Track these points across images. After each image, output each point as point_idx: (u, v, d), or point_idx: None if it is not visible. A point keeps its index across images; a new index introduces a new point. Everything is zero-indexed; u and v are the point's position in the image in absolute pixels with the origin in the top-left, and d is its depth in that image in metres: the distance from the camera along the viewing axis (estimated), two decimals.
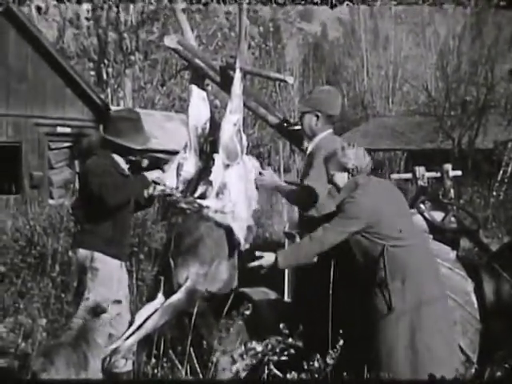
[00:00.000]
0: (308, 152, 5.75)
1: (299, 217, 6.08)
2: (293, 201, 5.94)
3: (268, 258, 4.94)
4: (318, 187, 5.45)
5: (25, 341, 6.97)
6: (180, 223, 5.57)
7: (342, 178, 5.15)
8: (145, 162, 19.73)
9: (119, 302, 5.34)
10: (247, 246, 5.66)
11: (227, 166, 5.59)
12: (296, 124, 5.95)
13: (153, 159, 18.82)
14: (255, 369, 5.14)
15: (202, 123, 5.96)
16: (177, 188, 5.73)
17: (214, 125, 5.94)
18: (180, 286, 5.36)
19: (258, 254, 4.95)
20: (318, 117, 5.68)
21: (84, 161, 5.93)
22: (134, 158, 5.67)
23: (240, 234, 5.53)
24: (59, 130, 21.34)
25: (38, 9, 24.29)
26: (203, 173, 5.70)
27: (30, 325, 7.62)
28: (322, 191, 5.48)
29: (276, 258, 4.94)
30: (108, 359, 5.18)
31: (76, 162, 20.80)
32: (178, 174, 5.78)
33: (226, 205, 5.45)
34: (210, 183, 5.50)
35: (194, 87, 6.11)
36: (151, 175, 5.61)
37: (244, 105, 6.02)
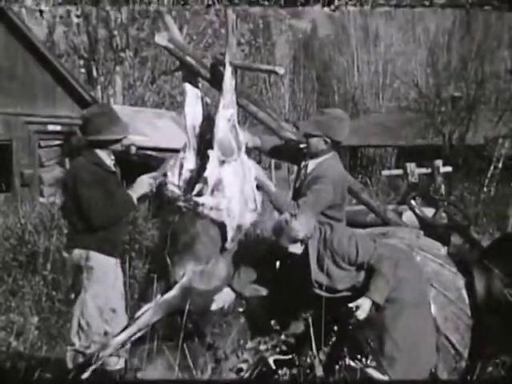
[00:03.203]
0: (309, 171, 5.79)
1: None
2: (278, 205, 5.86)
3: (365, 304, 4.97)
4: (310, 211, 5.44)
5: (17, 339, 6.98)
6: (176, 221, 5.57)
7: (297, 249, 5.23)
8: (133, 149, 19.82)
9: (114, 311, 5.39)
10: (232, 246, 5.63)
11: (223, 162, 5.57)
12: (301, 143, 5.92)
13: (143, 156, 18.81)
14: (248, 366, 5.17)
15: (199, 122, 5.95)
16: (178, 187, 5.74)
17: (209, 122, 5.93)
18: (176, 284, 5.36)
19: (352, 305, 4.96)
20: (326, 141, 5.73)
21: (73, 159, 5.94)
22: (121, 148, 5.73)
23: (230, 232, 5.52)
24: (50, 127, 21.26)
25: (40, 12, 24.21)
26: (201, 170, 5.68)
27: (21, 323, 7.63)
28: (310, 216, 5.37)
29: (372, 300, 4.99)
30: (96, 355, 5.16)
31: (67, 160, 20.73)
32: (179, 174, 5.78)
33: (220, 201, 5.44)
34: (206, 180, 5.49)
35: (188, 86, 6.08)
36: (146, 180, 5.65)
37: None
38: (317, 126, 5.74)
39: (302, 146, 5.85)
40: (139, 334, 5.24)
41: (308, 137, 5.75)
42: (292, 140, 6.37)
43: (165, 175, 5.71)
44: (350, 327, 5.05)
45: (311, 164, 5.79)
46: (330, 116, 5.83)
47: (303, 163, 5.87)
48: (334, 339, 4.82)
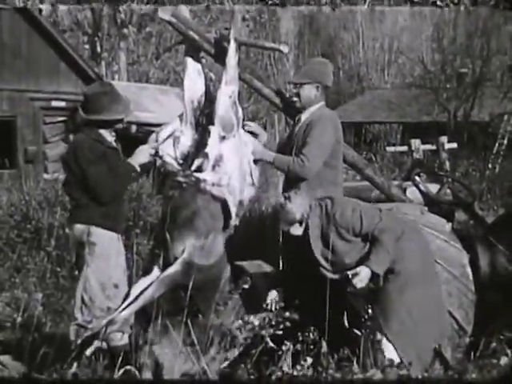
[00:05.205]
0: (303, 121, 5.84)
1: (284, 183, 6.10)
2: (284, 168, 5.87)
3: (363, 273, 4.98)
4: (317, 156, 5.61)
5: (21, 315, 7.00)
6: (176, 196, 5.54)
7: (297, 230, 5.26)
8: (133, 128, 19.75)
9: (116, 286, 5.41)
10: (237, 222, 5.62)
11: (223, 138, 5.54)
12: (292, 96, 5.99)
13: (147, 133, 18.79)
14: (252, 342, 5.17)
15: (197, 96, 5.91)
16: (175, 159, 5.72)
17: (210, 97, 5.90)
18: (176, 259, 5.34)
19: (349, 272, 4.98)
20: (317, 88, 5.83)
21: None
22: (121, 127, 5.73)
23: (232, 208, 5.50)
24: (54, 104, 21.24)
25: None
26: (199, 146, 5.66)
27: (26, 299, 7.66)
28: (319, 162, 5.64)
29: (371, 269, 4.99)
30: (103, 331, 5.19)
31: (71, 136, 20.72)
32: (174, 148, 5.76)
33: (222, 177, 5.40)
34: (206, 156, 5.45)
35: (189, 60, 6.04)
36: (147, 149, 5.63)
37: (239, 77, 5.98)
38: (305, 74, 5.93)
39: (293, 99, 5.93)
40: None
41: (300, 87, 5.86)
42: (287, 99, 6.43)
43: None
44: (349, 293, 5.07)
45: (304, 114, 5.88)
46: (314, 62, 6.32)
47: (296, 117, 5.97)
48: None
